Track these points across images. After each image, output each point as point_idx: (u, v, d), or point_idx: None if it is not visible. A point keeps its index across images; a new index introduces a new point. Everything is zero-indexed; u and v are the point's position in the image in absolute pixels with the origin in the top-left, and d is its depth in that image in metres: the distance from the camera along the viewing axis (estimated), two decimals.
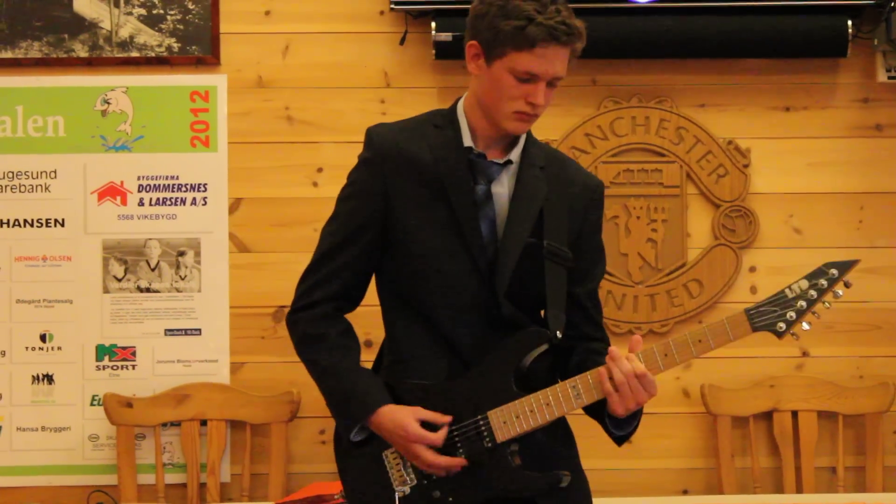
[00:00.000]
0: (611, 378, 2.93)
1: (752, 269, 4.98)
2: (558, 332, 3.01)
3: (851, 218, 4.99)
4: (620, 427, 3.05)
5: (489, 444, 2.98)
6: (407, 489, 2.96)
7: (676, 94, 4.99)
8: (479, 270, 3.02)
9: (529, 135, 3.13)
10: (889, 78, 4.91)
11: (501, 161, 3.07)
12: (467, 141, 3.06)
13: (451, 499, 2.96)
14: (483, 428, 2.98)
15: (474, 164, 3.05)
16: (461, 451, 2.97)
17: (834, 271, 2.92)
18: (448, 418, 2.98)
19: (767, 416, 4.92)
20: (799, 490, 4.86)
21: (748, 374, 4.90)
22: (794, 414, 4.90)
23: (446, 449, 2.98)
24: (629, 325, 4.93)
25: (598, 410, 3.03)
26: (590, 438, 3.25)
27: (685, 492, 4.95)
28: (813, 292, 2.93)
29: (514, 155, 3.08)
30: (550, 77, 2.96)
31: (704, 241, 4.99)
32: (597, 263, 3.21)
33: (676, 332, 4.91)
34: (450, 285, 3.03)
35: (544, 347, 3.00)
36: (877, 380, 4.92)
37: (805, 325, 2.95)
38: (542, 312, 3.08)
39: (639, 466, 4.92)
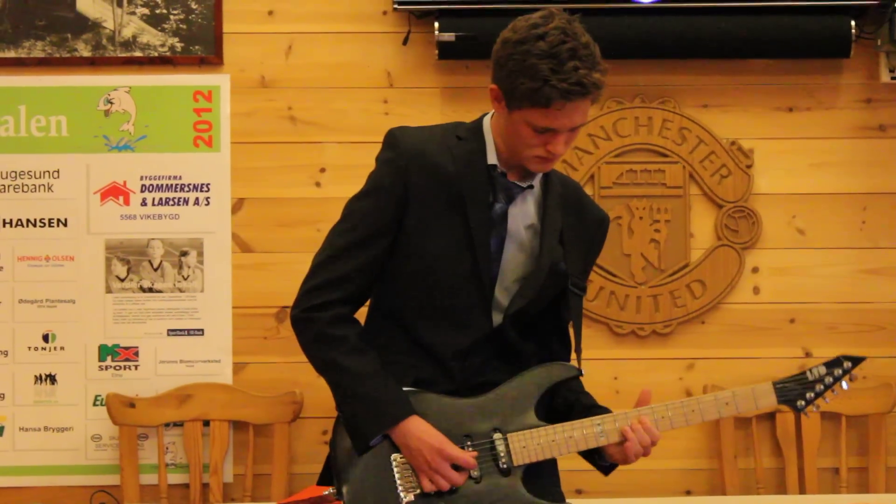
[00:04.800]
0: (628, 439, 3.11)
1: (755, 270, 4.98)
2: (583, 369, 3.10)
3: (855, 218, 4.99)
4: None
5: (504, 465, 2.98)
6: (412, 496, 2.95)
7: (679, 95, 4.99)
8: (481, 284, 3.02)
9: None
10: (892, 78, 4.90)
11: (524, 185, 3.07)
12: (492, 158, 3.06)
13: None
14: (500, 448, 2.98)
15: (496, 181, 3.05)
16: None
17: (848, 363, 3.13)
18: (474, 454, 2.98)
19: (770, 417, 4.91)
20: (802, 491, 4.86)
21: (751, 374, 4.89)
22: (797, 415, 4.90)
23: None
24: (632, 326, 4.92)
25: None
26: None
27: (688, 492, 4.95)
28: (829, 378, 3.12)
29: (536, 180, 3.09)
30: (568, 129, 2.97)
31: (707, 241, 4.98)
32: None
33: (679, 334, 4.92)
34: (444, 291, 3.02)
35: (571, 378, 3.07)
36: (880, 380, 4.91)
37: (815, 408, 3.14)
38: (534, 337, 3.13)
39: (641, 467, 4.87)
